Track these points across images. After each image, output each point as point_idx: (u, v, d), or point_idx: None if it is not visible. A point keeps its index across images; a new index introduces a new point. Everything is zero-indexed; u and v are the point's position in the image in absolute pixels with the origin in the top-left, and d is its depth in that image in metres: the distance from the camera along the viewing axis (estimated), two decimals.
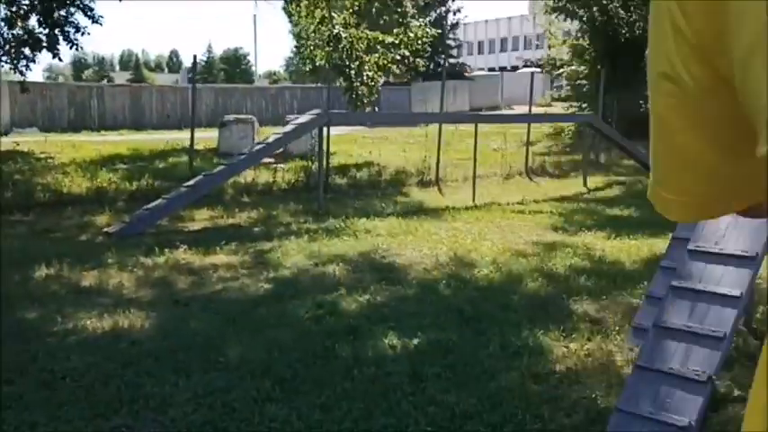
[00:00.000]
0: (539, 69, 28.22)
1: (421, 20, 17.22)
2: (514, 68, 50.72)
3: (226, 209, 9.22)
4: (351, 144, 17.42)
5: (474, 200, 10.63)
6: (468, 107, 32.28)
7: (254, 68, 59.95)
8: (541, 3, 22.65)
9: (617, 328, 4.53)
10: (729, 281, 3.21)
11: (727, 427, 3.14)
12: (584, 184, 12.67)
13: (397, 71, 16.13)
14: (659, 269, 4.42)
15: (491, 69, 50.56)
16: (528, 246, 7.06)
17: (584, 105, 21.00)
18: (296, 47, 40.23)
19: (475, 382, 3.74)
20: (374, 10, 14.70)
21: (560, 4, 20.27)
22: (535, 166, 14.56)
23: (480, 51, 63.15)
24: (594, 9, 20.17)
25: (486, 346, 4.23)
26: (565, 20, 21.07)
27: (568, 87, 23.82)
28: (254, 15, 69.21)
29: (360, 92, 14.78)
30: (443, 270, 6.06)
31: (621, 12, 20.00)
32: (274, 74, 61.94)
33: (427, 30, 15.72)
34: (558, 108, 25.65)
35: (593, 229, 8.02)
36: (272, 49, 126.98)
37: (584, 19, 20.60)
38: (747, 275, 3.21)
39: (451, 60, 35.44)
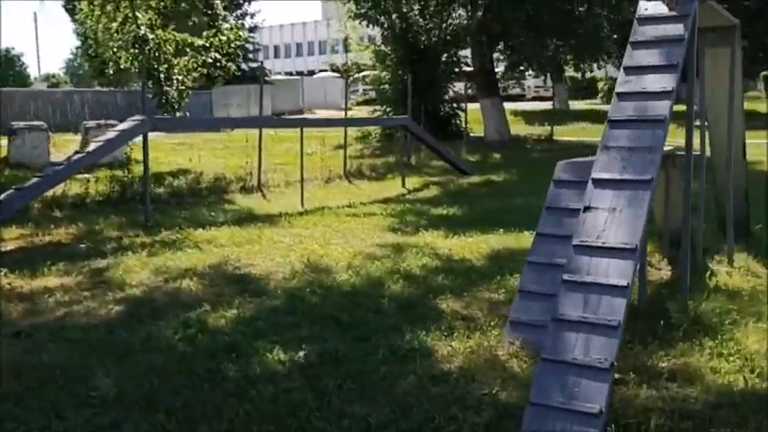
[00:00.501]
0: (337, 74, 28.81)
1: (232, 22, 16.80)
2: (311, 72, 51.29)
3: (38, 225, 8.32)
4: (155, 151, 16.52)
5: (303, 205, 10.57)
6: (270, 111, 32.02)
7: (29, 70, 54.87)
8: (333, 7, 23.13)
9: (490, 323, 4.71)
10: (615, 272, 3.47)
11: (627, 409, 3.39)
12: (403, 185, 13.11)
13: (212, 74, 15.56)
14: (526, 264, 4.68)
15: (288, 73, 50.67)
16: (375, 248, 7.14)
17: (388, 109, 21.76)
18: (81, 47, 37.42)
19: (377, 390, 3.71)
20: (182, 10, 14.06)
21: (362, 11, 20.79)
22: (353, 169, 14.82)
23: (277, 55, 63.01)
24: (395, 16, 20.95)
25: (374, 353, 4.21)
26: (367, 26, 21.64)
27: (371, 91, 24.46)
28: (35, 13, 63.15)
29: (170, 96, 14.07)
30: (303, 278, 5.94)
31: (420, 20, 20.97)
32: (53, 76, 57.08)
33: (240, 33, 15.39)
34: (363, 112, 26.29)
35: (429, 229, 8.30)
36: (50, 50, 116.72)
37: (386, 26, 21.31)
38: (631, 266, 3.49)
39: (252, 64, 34.94)
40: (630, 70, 4.21)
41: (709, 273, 5.85)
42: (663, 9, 4.43)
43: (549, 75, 30.51)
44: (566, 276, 3.56)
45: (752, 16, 28.75)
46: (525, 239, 7.50)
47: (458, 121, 21.99)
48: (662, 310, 4.83)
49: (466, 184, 13.41)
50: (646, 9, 4.46)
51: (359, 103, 32.33)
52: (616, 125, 4.01)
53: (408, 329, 4.60)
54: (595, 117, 30.73)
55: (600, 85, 45.54)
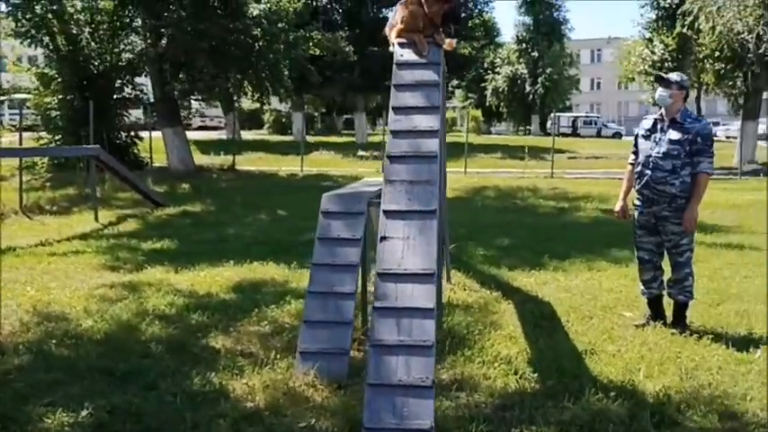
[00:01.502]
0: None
1: None
2: None
3: None
4: None
5: None
6: None
7: None
8: None
9: (270, 357, 4.70)
10: (420, 296, 3.77)
11: (443, 421, 3.69)
12: (96, 219, 12.13)
13: None
14: (308, 294, 4.78)
15: None
16: (106, 289, 6.58)
17: (56, 137, 19.86)
18: None
19: None
20: None
21: (23, 29, 18.71)
22: (29, 203, 13.28)
23: None
24: (61, 38, 19.25)
25: (170, 401, 3.94)
26: (29, 46, 19.52)
27: (35, 117, 22.03)
28: None
29: None
30: (38, 329, 5.25)
31: (92, 43, 19.62)
32: None
33: None
34: (27, 140, 23.46)
35: (153, 265, 7.89)
36: None
37: (51, 47, 19.46)
38: (433, 289, 3.82)
39: None
40: (399, 110, 4.60)
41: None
42: (414, 57, 4.92)
43: (220, 104, 30.80)
44: (377, 303, 3.77)
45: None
46: (259, 270, 7.61)
47: (136, 150, 21.00)
48: None
49: (164, 215, 12.90)
50: (401, 55, 4.91)
51: (23, 129, 28.66)
52: (395, 160, 4.35)
53: (193, 372, 4.38)
54: (267, 147, 31.92)
55: (266, 116, 47.30)
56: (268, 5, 19.25)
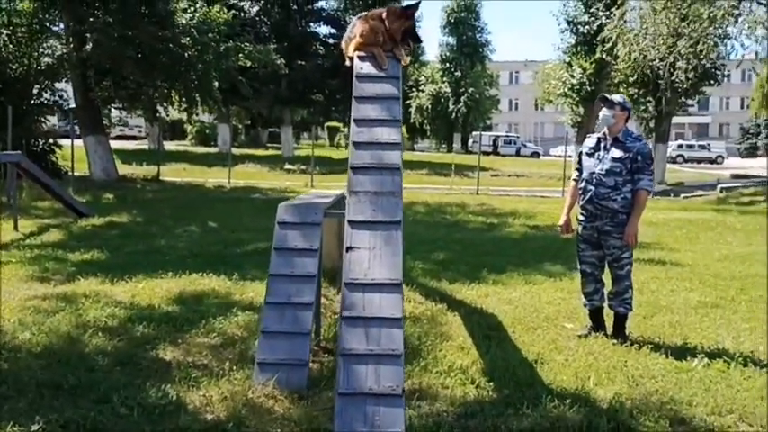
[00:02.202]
0: None
1: None
2: None
3: None
4: None
5: None
6: None
7: None
8: None
9: (227, 368, 4.62)
10: (387, 305, 3.80)
11: (413, 431, 3.71)
12: (16, 228, 11.57)
13: None
14: (265, 305, 4.72)
15: None
16: (39, 301, 6.30)
17: None
18: None
19: None
20: None
21: None
22: None
23: None
24: None
25: (126, 415, 3.81)
26: None
27: None
28: None
29: None
30: None
31: (11, 46, 18.85)
32: None
33: None
34: None
35: (86, 276, 7.61)
36: None
37: None
38: (399, 299, 3.86)
39: None
40: (361, 122, 4.64)
41: None
42: (374, 70, 4.98)
43: (143, 114, 30.05)
44: (345, 313, 3.77)
45: (327, 74, 32.71)
46: (199, 281, 7.46)
47: (54, 158, 20.21)
48: None
49: (89, 226, 12.42)
50: (361, 68, 4.96)
51: None
52: (359, 172, 4.38)
53: (147, 384, 4.25)
54: (192, 159, 31.32)
55: (189, 128, 46.38)
56: (197, 15, 18.97)
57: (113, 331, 5.42)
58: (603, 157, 5.62)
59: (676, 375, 4.80)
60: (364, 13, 5.20)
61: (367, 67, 4.96)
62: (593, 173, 5.63)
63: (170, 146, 40.79)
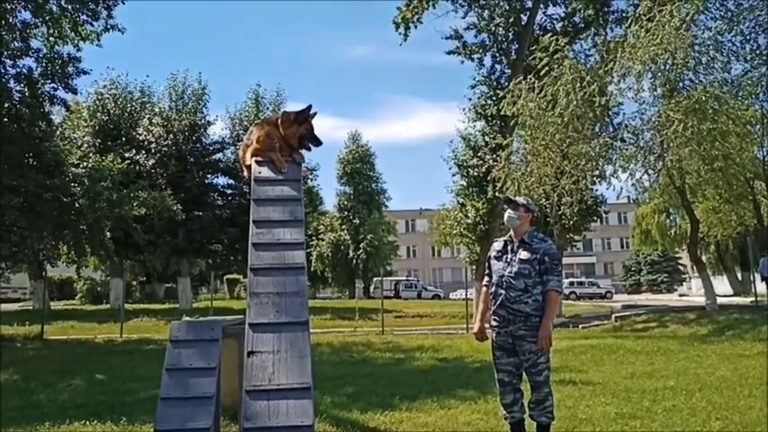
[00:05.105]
0: None
1: None
2: None
3: None
4: None
5: None
6: None
7: None
8: None
9: None
10: (296, 412, 3.38)
11: None
12: None
13: None
14: (165, 372, 4.16)
15: None
16: None
17: None
18: None
19: None
20: None
21: None
22: None
23: None
24: None
25: None
26: None
27: None
28: None
29: None
30: None
31: None
32: None
33: None
34: None
35: None
36: None
37: None
38: (310, 404, 3.45)
39: None
40: (261, 224, 4.40)
41: None
42: (272, 173, 4.81)
43: (27, 270, 28.42)
44: (247, 424, 3.34)
45: (225, 223, 32.40)
46: (80, 430, 6.66)
47: None
48: None
49: None
50: (260, 172, 4.79)
51: None
52: (260, 273, 4.08)
53: None
54: (81, 316, 29.49)
55: (78, 285, 44.17)
56: (90, 164, 18.58)
57: None
58: (512, 259, 5.55)
59: None
60: (260, 120, 5.12)
61: (266, 171, 4.80)
62: (503, 276, 5.53)
63: (58, 306, 38.51)
